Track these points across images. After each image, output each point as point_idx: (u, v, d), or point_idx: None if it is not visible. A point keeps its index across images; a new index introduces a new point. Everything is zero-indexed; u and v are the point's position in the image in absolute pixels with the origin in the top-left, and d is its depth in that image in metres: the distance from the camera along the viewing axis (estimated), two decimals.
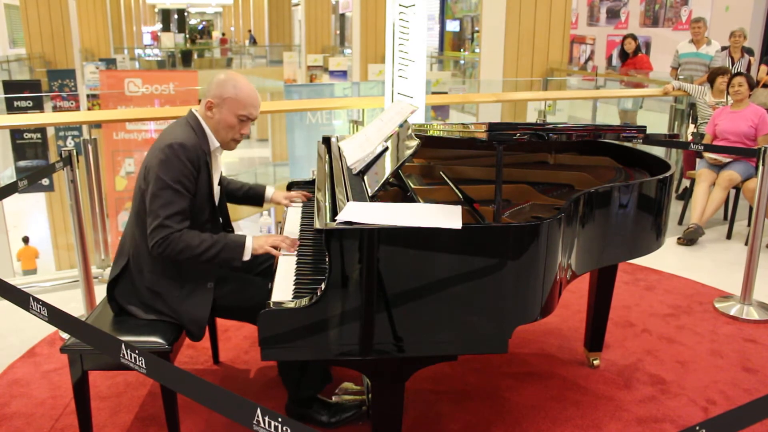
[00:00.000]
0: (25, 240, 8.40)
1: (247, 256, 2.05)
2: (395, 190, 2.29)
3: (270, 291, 1.88)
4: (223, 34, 34.73)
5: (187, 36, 31.32)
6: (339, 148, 2.66)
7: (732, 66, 6.32)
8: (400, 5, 3.59)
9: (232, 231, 2.45)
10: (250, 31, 28.64)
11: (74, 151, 3.14)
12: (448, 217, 1.75)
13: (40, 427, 2.34)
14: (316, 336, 1.70)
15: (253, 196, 2.57)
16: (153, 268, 2.12)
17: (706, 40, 6.62)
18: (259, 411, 1.23)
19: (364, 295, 1.68)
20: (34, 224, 9.64)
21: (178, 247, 1.99)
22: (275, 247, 2.06)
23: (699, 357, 2.89)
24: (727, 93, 4.95)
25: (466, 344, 1.78)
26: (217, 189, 2.28)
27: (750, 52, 6.71)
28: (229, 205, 2.51)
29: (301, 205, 2.63)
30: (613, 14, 13.17)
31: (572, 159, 2.91)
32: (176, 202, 2.01)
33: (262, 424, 1.23)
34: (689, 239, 4.46)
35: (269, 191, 2.57)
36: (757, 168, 3.35)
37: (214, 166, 2.21)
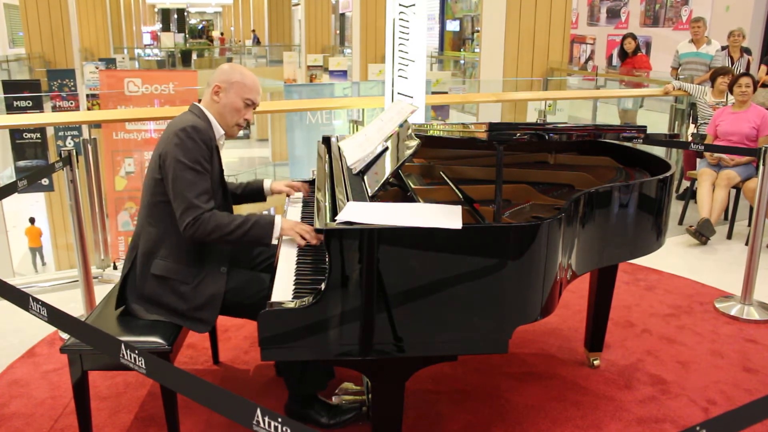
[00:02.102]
0: (32, 221, 8.97)
1: (276, 233, 2.06)
2: (395, 190, 2.29)
3: (270, 292, 1.88)
4: (222, 34, 34.61)
5: (187, 35, 31.25)
6: (339, 148, 2.66)
7: (732, 66, 6.32)
8: (400, 5, 3.59)
9: None
10: (253, 31, 28.57)
11: (74, 151, 3.14)
12: (448, 217, 1.75)
13: (39, 428, 2.34)
14: (316, 336, 1.70)
15: (252, 192, 2.57)
16: (167, 254, 2.13)
17: (706, 40, 6.62)
18: (259, 411, 1.23)
19: (364, 296, 1.68)
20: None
21: (209, 227, 2.01)
22: (302, 236, 2.06)
23: (699, 357, 2.89)
24: (729, 93, 4.95)
25: (467, 344, 1.78)
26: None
27: (748, 51, 6.71)
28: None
29: (301, 205, 2.62)
30: (613, 14, 13.17)
31: (572, 159, 2.91)
32: (199, 183, 2.04)
33: (261, 424, 1.23)
34: (699, 233, 4.37)
35: (267, 183, 2.58)
36: (757, 168, 3.35)
37: (221, 154, 2.27)
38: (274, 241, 2.08)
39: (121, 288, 2.19)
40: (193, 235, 2.03)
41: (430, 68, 15.22)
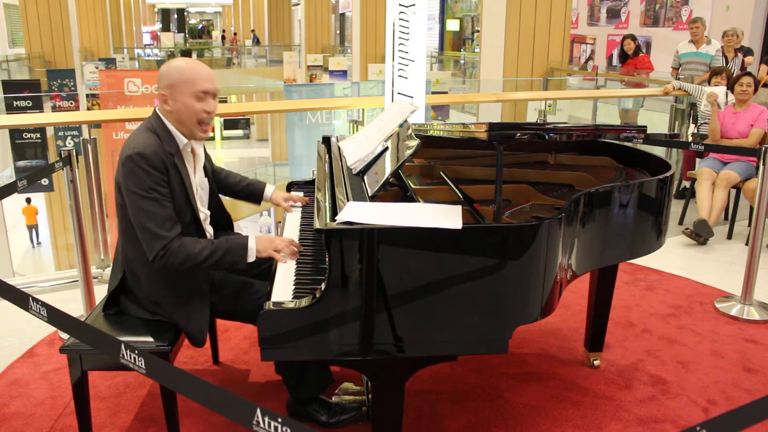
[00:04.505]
0: (28, 201, 9.49)
1: (251, 258, 2.00)
2: (395, 190, 2.29)
3: (270, 292, 1.87)
4: (235, 34, 34.34)
5: (187, 35, 31.14)
6: (339, 148, 2.66)
7: (726, 65, 6.32)
8: (400, 5, 3.59)
9: (231, 222, 2.43)
10: (253, 31, 28.55)
11: (74, 151, 3.13)
12: (448, 217, 1.74)
13: (39, 428, 2.34)
14: (316, 336, 1.70)
15: (252, 193, 2.53)
16: (148, 277, 2.08)
17: (706, 40, 6.61)
18: (258, 411, 1.23)
19: (364, 296, 1.68)
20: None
21: (179, 257, 1.93)
22: (278, 251, 2.02)
23: (699, 357, 2.89)
24: (729, 93, 4.95)
25: (467, 344, 1.78)
26: (204, 182, 2.22)
27: (749, 51, 6.70)
28: (230, 204, 2.50)
29: (300, 207, 2.61)
30: (613, 14, 13.18)
31: (572, 159, 2.91)
32: (159, 210, 1.94)
33: (261, 425, 1.23)
34: (696, 234, 4.37)
35: (269, 190, 2.54)
36: (757, 168, 3.35)
37: (191, 162, 2.13)
38: (251, 260, 2.00)
39: (111, 299, 2.16)
40: (164, 266, 1.94)
41: (430, 68, 15.23)
